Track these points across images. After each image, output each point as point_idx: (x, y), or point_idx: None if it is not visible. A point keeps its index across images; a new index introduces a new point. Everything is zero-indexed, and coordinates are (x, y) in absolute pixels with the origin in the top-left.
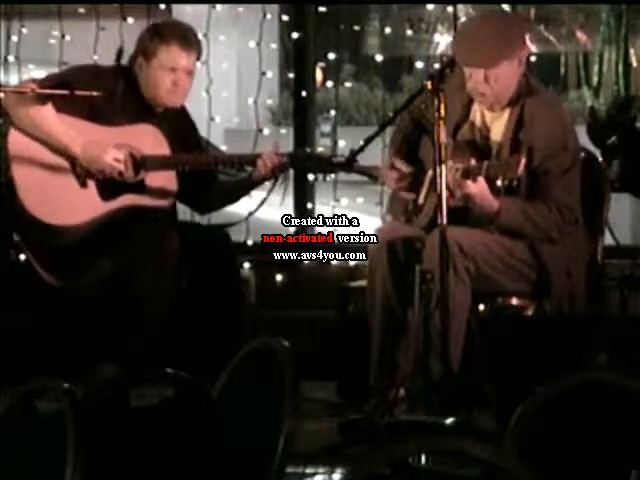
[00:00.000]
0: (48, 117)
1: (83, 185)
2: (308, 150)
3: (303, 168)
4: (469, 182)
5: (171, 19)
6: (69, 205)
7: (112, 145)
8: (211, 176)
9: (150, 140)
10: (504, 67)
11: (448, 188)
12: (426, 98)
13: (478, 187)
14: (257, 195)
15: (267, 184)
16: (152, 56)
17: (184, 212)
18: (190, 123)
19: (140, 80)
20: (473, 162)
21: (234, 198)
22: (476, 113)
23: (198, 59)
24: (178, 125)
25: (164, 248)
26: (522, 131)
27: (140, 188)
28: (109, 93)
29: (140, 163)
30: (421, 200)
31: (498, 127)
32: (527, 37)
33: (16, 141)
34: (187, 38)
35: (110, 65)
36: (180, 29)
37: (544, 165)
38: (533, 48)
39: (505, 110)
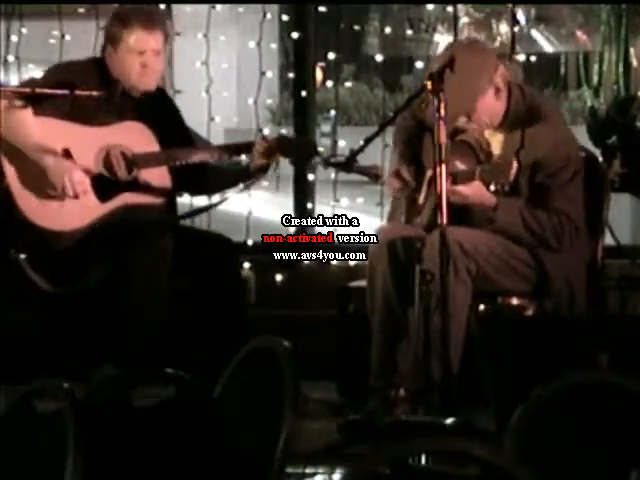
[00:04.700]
0: (27, 125)
1: None
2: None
3: (289, 153)
4: (461, 187)
5: (135, 4)
6: (68, 209)
7: (103, 146)
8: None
9: (138, 138)
10: (479, 104)
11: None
12: (426, 98)
13: (472, 188)
14: (257, 195)
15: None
16: (119, 42)
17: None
18: (172, 107)
19: (112, 68)
20: (469, 165)
21: (227, 184)
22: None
23: (166, 39)
24: (161, 111)
25: (160, 246)
26: (523, 147)
27: (135, 187)
28: (90, 89)
29: (132, 162)
30: (421, 200)
31: (496, 143)
32: (496, 65)
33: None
34: (150, 19)
35: (84, 59)
36: (143, 11)
37: (546, 181)
38: (534, 47)
39: (503, 128)
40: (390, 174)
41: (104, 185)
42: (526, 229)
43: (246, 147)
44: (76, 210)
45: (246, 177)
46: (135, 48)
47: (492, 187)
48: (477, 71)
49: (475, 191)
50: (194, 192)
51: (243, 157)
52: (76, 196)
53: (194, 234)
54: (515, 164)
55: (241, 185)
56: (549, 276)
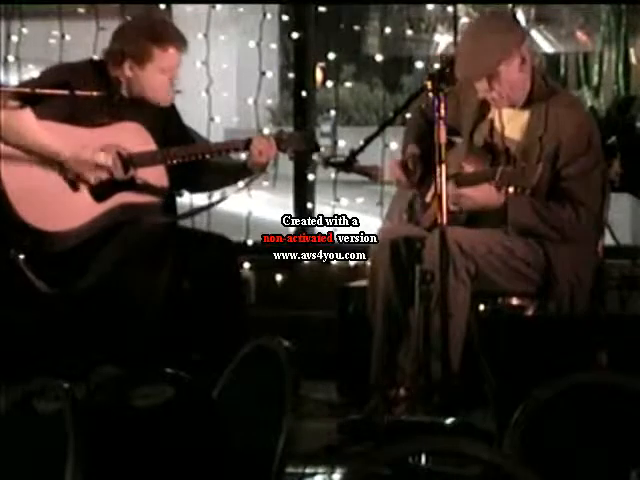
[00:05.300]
0: (31, 125)
1: (75, 189)
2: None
3: (289, 148)
4: (465, 190)
5: (154, 17)
6: (63, 210)
7: (98, 147)
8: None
9: (135, 138)
10: (503, 70)
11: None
12: (426, 98)
13: (478, 191)
14: (257, 195)
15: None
16: (147, 60)
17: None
18: (170, 107)
19: (131, 83)
20: (481, 167)
21: (226, 182)
22: (495, 111)
23: None
24: (159, 111)
25: (159, 246)
26: (546, 132)
27: (131, 186)
28: (87, 91)
29: (128, 161)
30: (429, 199)
31: (517, 126)
32: (523, 36)
33: (4, 146)
34: (179, 37)
35: (81, 61)
36: (171, 29)
37: (567, 166)
38: (534, 46)
39: (525, 109)
40: (396, 162)
41: (101, 185)
42: (542, 221)
43: (244, 145)
44: (72, 210)
45: (244, 174)
46: (165, 68)
47: (511, 189)
48: (503, 33)
49: (481, 194)
50: (193, 190)
51: (242, 155)
52: (110, 173)
53: (194, 235)
54: (540, 169)
55: (240, 183)
56: (556, 275)
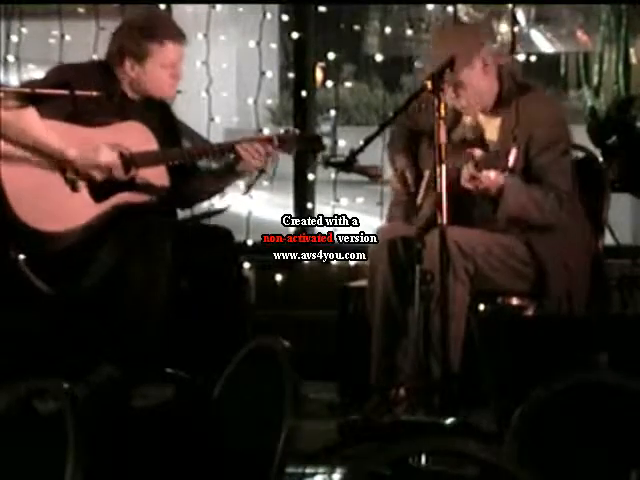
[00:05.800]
0: (35, 124)
1: (74, 189)
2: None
3: (293, 149)
4: (485, 172)
5: (150, 13)
6: (62, 210)
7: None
8: (188, 169)
9: (138, 138)
10: (466, 77)
11: (453, 186)
12: (425, 98)
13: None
14: (257, 195)
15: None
16: (146, 57)
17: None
18: (169, 112)
19: (134, 81)
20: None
21: (214, 191)
22: (468, 117)
23: None
24: (159, 116)
25: (159, 246)
26: (518, 129)
27: (132, 186)
28: (92, 91)
29: (129, 161)
30: (419, 200)
31: (492, 128)
32: (483, 41)
33: (3, 146)
34: (177, 31)
35: (86, 62)
36: (167, 24)
37: (541, 156)
38: (533, 46)
39: (498, 112)
40: (396, 177)
41: (100, 185)
42: (532, 202)
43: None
44: (72, 211)
45: (234, 179)
46: (166, 62)
47: (492, 175)
48: (459, 41)
49: (495, 176)
50: (177, 204)
51: (232, 156)
52: (111, 172)
53: (193, 229)
54: (514, 150)
55: (242, 186)
56: (546, 269)
